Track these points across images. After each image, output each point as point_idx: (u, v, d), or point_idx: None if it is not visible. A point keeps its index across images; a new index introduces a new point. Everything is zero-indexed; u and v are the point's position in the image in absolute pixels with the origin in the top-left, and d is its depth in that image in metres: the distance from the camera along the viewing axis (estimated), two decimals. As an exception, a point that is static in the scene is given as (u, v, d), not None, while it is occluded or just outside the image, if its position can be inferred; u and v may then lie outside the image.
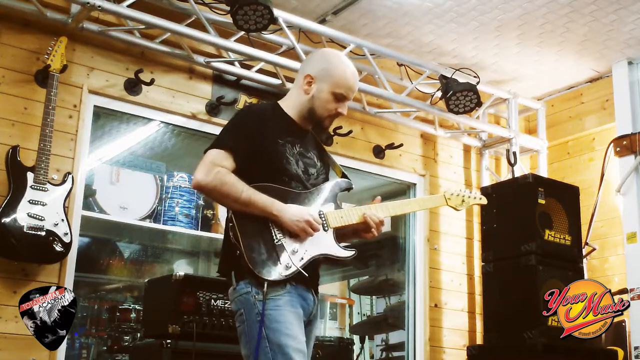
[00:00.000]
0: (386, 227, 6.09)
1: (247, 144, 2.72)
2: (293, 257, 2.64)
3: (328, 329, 6.46)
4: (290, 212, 2.65)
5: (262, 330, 2.56)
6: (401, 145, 5.72)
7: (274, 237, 2.64)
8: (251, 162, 2.71)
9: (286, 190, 2.72)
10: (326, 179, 2.93)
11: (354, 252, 2.78)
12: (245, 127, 2.76)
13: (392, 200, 2.97)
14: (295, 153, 2.81)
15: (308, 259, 2.67)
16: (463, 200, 3.06)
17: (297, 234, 2.66)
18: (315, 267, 2.78)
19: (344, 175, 2.96)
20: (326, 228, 2.74)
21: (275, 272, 2.60)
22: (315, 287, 2.81)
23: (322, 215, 2.75)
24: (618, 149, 5.48)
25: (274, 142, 2.76)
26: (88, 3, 4.07)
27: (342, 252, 2.76)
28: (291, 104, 2.89)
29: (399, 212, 2.92)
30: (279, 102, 2.93)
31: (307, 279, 2.69)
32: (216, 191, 2.65)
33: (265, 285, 2.58)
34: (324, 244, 2.73)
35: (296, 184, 2.77)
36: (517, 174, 5.68)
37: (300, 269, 2.64)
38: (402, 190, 5.94)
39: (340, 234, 2.82)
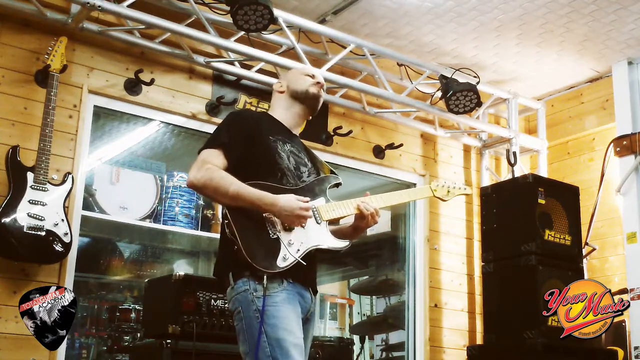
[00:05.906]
0: (386, 227, 6.19)
1: (239, 141, 2.80)
2: (290, 248, 2.69)
3: (328, 329, 6.47)
4: (283, 200, 2.69)
5: (262, 326, 2.59)
6: (401, 145, 5.72)
7: (269, 232, 2.69)
8: (244, 158, 2.79)
9: (277, 187, 2.76)
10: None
11: (348, 242, 2.86)
12: (236, 125, 2.86)
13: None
14: (286, 150, 2.89)
15: (304, 250, 2.72)
16: (448, 191, 3.16)
17: (291, 223, 2.71)
18: (312, 264, 2.81)
19: (332, 172, 3.05)
20: (319, 221, 2.81)
21: (274, 265, 2.64)
22: (312, 285, 2.85)
23: (314, 209, 2.81)
24: (618, 149, 5.47)
25: (265, 138, 2.85)
26: (88, 3, 4.06)
27: (336, 243, 2.83)
28: (276, 110, 3.04)
29: (389, 203, 2.99)
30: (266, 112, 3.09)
31: (304, 277, 2.75)
32: (206, 187, 2.71)
33: (265, 278, 2.62)
34: (318, 236, 2.79)
35: (287, 180, 2.83)
36: (517, 174, 5.68)
37: (298, 258, 2.68)
38: (402, 191, 5.93)
39: (340, 234, 2.90)
